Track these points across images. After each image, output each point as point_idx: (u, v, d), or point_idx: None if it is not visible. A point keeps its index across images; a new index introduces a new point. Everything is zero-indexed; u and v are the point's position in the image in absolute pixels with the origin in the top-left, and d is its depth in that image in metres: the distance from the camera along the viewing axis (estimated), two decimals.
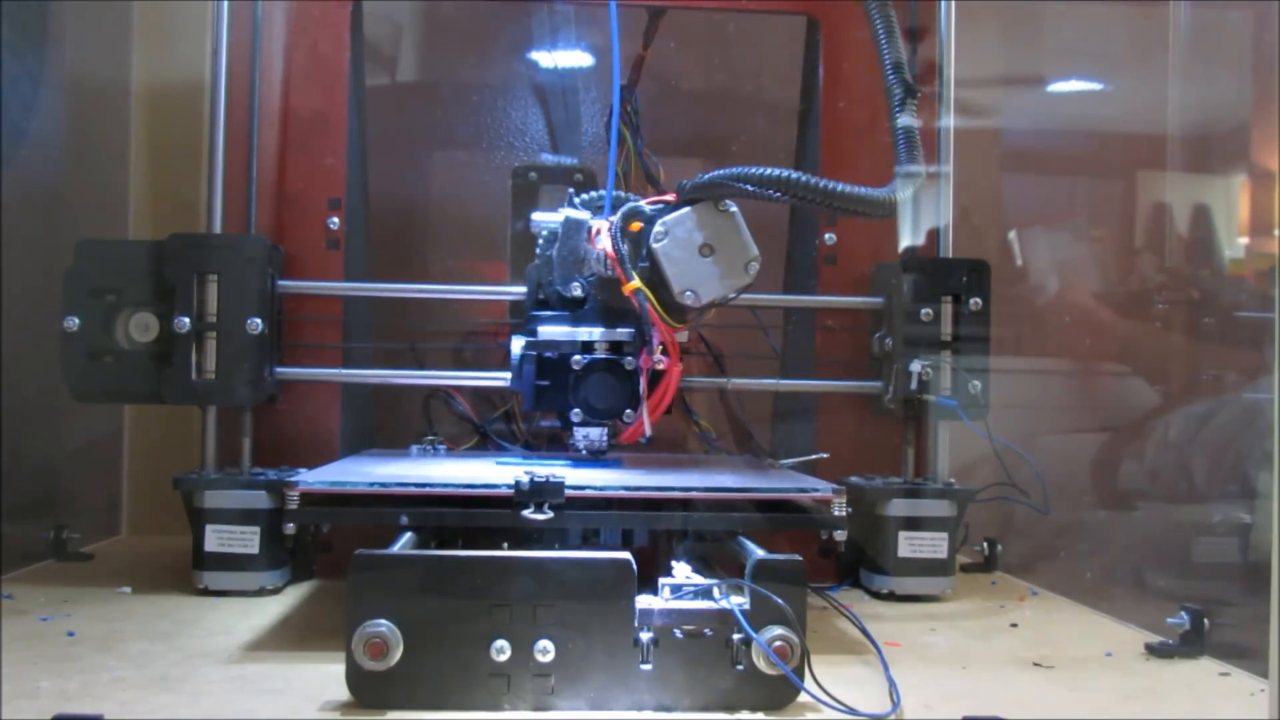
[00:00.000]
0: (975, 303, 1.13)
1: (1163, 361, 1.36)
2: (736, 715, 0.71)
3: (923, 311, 1.13)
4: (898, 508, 1.11)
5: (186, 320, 1.04)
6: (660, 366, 0.96)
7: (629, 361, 0.98)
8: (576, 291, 1.00)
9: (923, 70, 1.24)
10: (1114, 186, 1.53)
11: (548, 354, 1.00)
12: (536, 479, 0.87)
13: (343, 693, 0.70)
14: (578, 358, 0.99)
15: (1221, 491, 1.18)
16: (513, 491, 0.87)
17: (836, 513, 0.90)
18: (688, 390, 1.31)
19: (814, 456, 1.14)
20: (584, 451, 1.02)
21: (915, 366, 1.12)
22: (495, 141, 1.40)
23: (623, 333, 0.99)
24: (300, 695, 0.74)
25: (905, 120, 0.91)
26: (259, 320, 1.06)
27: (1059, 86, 1.53)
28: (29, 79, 1.14)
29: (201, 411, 1.09)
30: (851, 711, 0.71)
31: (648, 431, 0.98)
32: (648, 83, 1.29)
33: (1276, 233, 1.22)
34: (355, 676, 0.70)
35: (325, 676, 0.76)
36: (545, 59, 1.40)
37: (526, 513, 0.86)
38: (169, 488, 1.05)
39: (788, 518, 0.93)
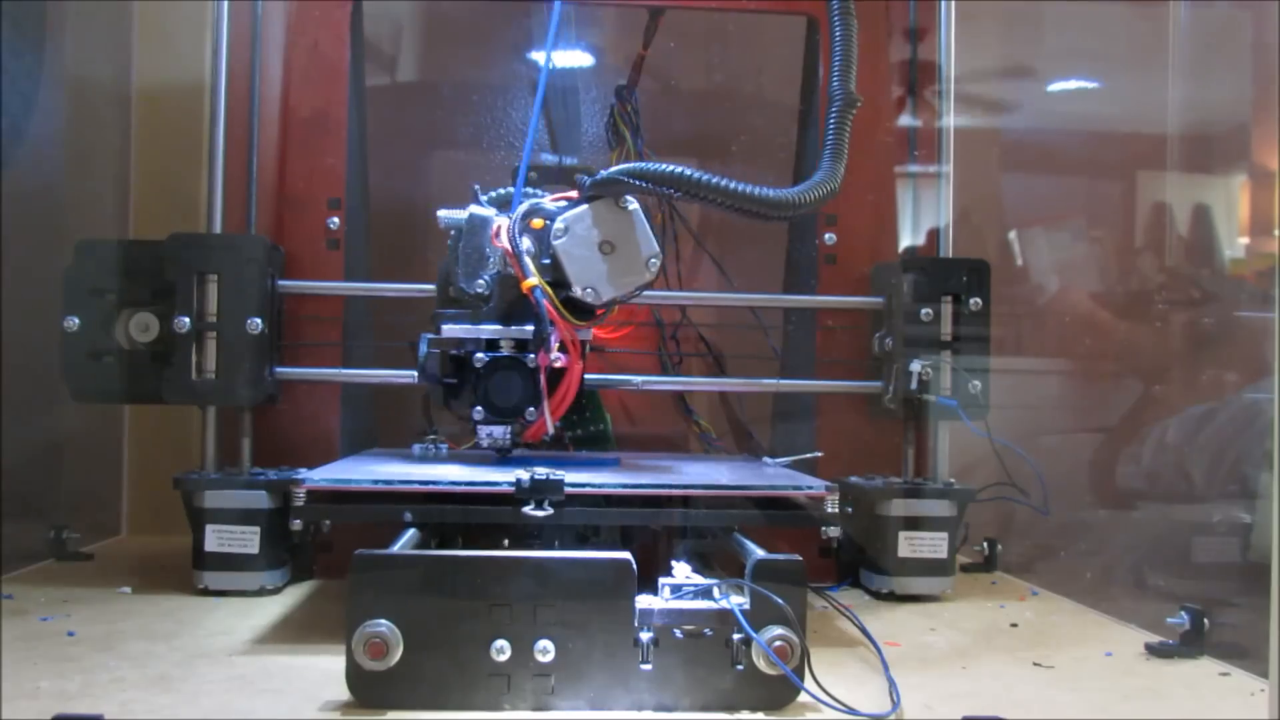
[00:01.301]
0: (975, 303, 1.13)
1: (1162, 361, 1.36)
2: (736, 715, 0.71)
3: (923, 311, 1.13)
4: (898, 508, 1.11)
5: (186, 320, 1.04)
6: (559, 364, 0.95)
7: (530, 359, 0.97)
8: (480, 289, 0.99)
9: (923, 70, 1.25)
10: (1114, 186, 1.53)
11: (453, 351, 0.99)
12: (536, 477, 0.87)
13: (343, 693, 0.70)
14: (479, 355, 0.98)
15: (1221, 492, 1.18)
16: (513, 489, 0.87)
17: (830, 509, 0.91)
18: (688, 390, 1.32)
19: (809, 455, 1.15)
20: (492, 450, 1.01)
21: (915, 366, 1.12)
22: (495, 141, 1.40)
23: (521, 330, 0.98)
24: (300, 695, 0.74)
25: (839, 129, 0.91)
26: (259, 320, 1.06)
27: (1059, 86, 1.53)
28: (29, 79, 1.14)
29: (201, 411, 1.09)
30: (851, 711, 0.71)
31: (549, 430, 0.98)
32: (648, 82, 1.29)
33: (1276, 233, 1.22)
34: (355, 676, 0.70)
35: (325, 676, 0.76)
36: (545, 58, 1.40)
37: (527, 510, 0.87)
38: (169, 488, 1.05)
39: (783, 515, 0.94)
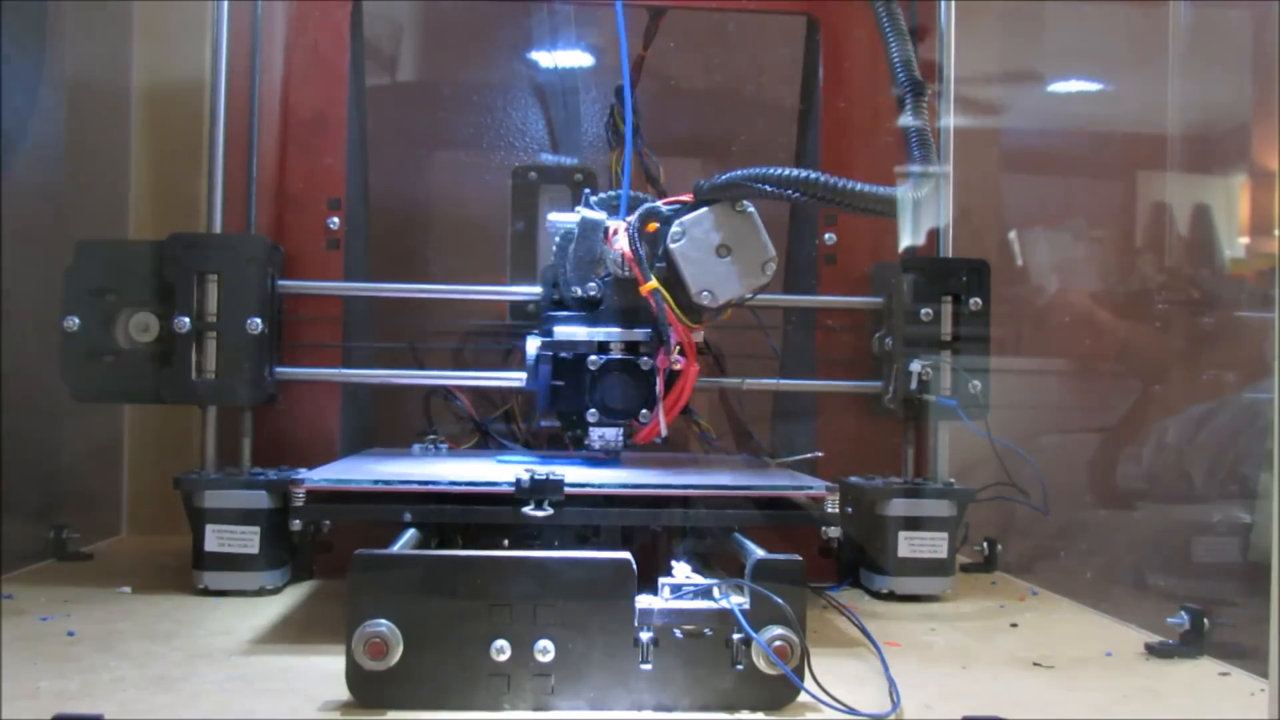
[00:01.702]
0: (975, 302, 1.13)
1: (1162, 361, 1.36)
2: (736, 715, 0.71)
3: (923, 311, 1.13)
4: (898, 508, 1.11)
5: (186, 320, 1.04)
6: (677, 367, 0.96)
7: (645, 362, 0.99)
8: (593, 292, 1.00)
9: (923, 70, 1.24)
10: (1114, 186, 1.53)
11: (563, 354, 1.00)
12: (536, 477, 0.87)
13: (343, 692, 0.70)
14: (594, 358, 0.99)
15: (1220, 492, 1.18)
16: (513, 489, 0.87)
17: (830, 509, 0.91)
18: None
19: (808, 455, 1.15)
20: (600, 451, 1.02)
21: (915, 366, 1.12)
22: (495, 141, 1.40)
23: (639, 333, 1.00)
24: (300, 695, 0.74)
25: (917, 119, 0.91)
26: (259, 320, 1.06)
27: (1059, 86, 1.53)
28: (29, 79, 1.14)
29: (201, 411, 1.09)
30: (851, 711, 0.71)
31: (663, 431, 0.99)
32: (648, 82, 1.29)
33: (1276, 233, 1.23)
34: (355, 676, 0.70)
35: (325, 676, 0.76)
36: (545, 59, 1.40)
37: (527, 510, 0.87)
38: (169, 488, 1.05)
39: (783, 515, 0.94)
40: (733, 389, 1.32)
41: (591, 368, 0.99)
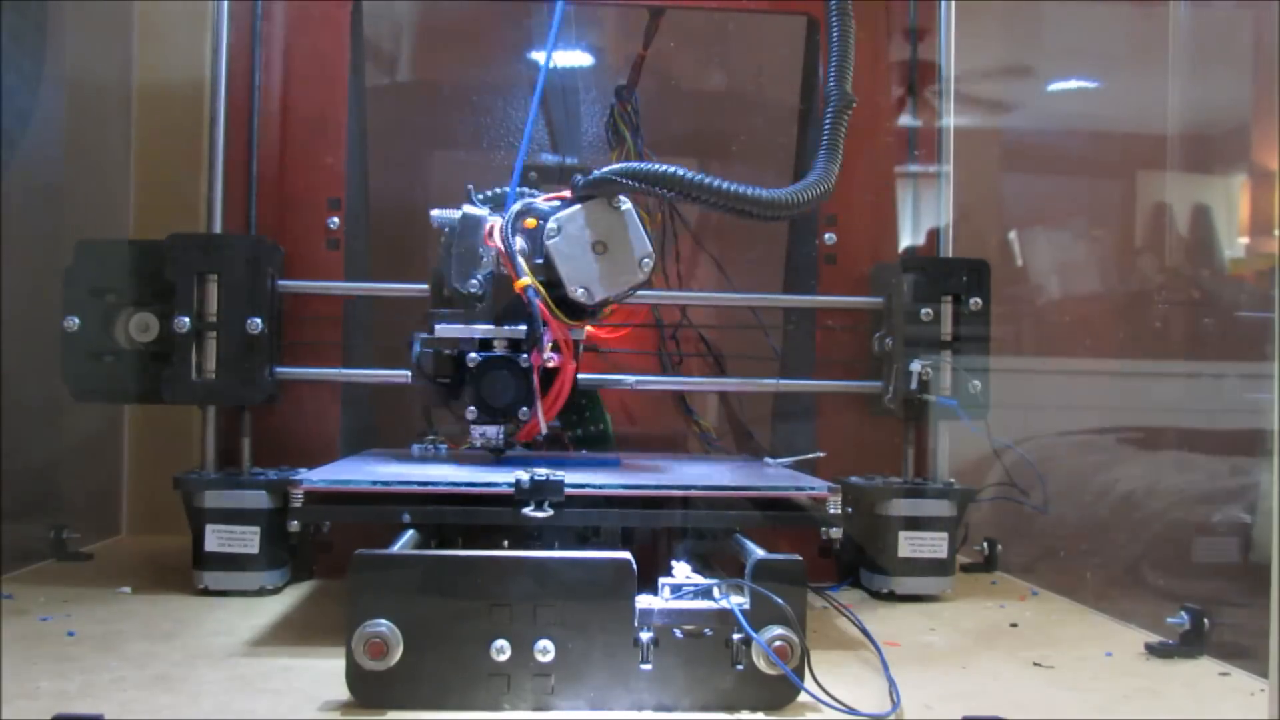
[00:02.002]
0: (975, 302, 1.13)
1: (1161, 361, 1.36)
2: (736, 715, 0.71)
3: (923, 311, 1.13)
4: (898, 508, 1.11)
5: (186, 320, 1.04)
6: (551, 364, 0.95)
7: (523, 359, 0.97)
8: (474, 289, 0.99)
9: (923, 70, 1.25)
10: (1114, 186, 1.53)
11: (446, 351, 0.99)
12: (536, 478, 0.87)
13: (343, 692, 0.70)
14: (472, 355, 0.98)
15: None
16: (513, 490, 0.87)
17: (832, 510, 0.91)
18: (686, 390, 1.31)
19: (811, 455, 1.15)
20: (484, 449, 1.01)
21: (915, 366, 1.12)
22: (495, 141, 1.40)
23: (514, 330, 0.98)
24: (300, 695, 0.74)
25: (832, 127, 0.91)
26: (259, 320, 1.06)
27: (1059, 86, 1.53)
28: (29, 79, 1.14)
29: (201, 411, 1.09)
30: (851, 711, 0.71)
31: (543, 429, 0.98)
32: (648, 82, 1.29)
33: (1277, 233, 1.22)
34: (355, 676, 0.70)
35: (325, 676, 0.76)
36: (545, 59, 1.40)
37: (527, 510, 0.87)
38: (169, 488, 1.05)
39: (784, 515, 0.94)
40: (731, 390, 1.33)
41: (470, 365, 0.98)
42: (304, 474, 0.94)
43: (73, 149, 1.26)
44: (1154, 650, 0.90)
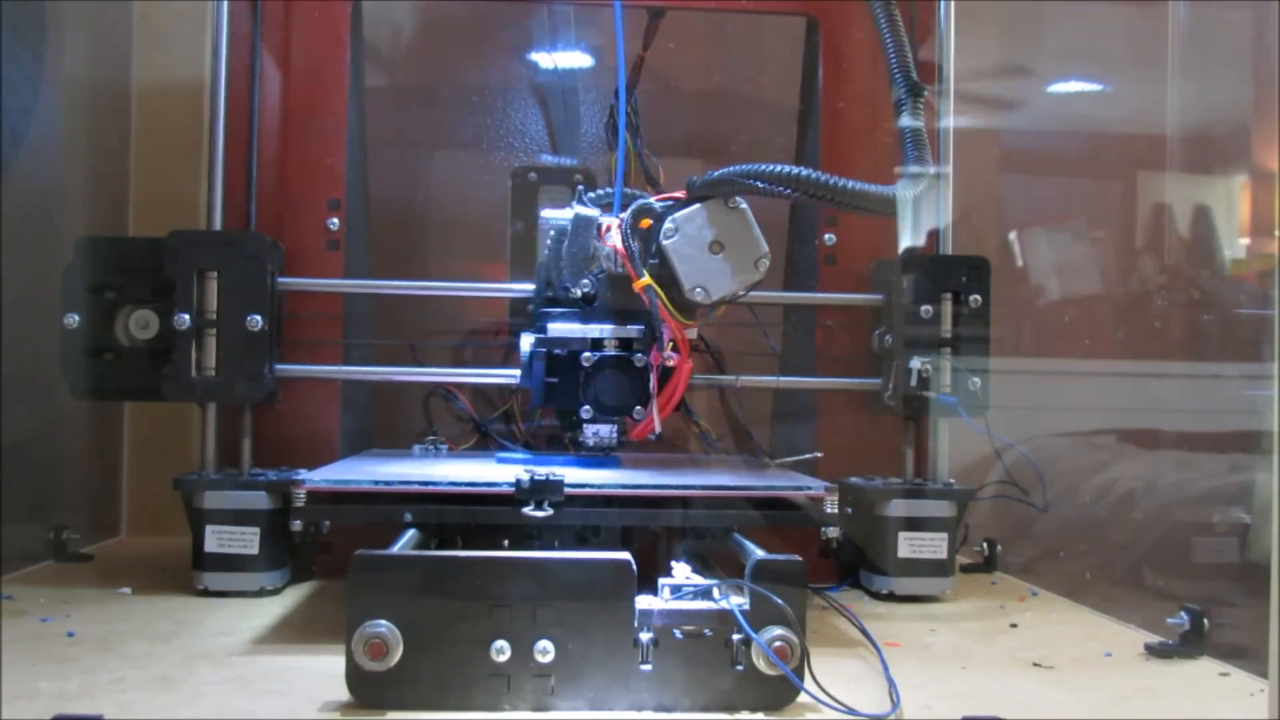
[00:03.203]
0: (975, 300, 1.13)
1: (1160, 361, 1.36)
2: (736, 715, 0.71)
3: (923, 309, 1.13)
4: (898, 508, 1.11)
5: (186, 317, 1.04)
6: (670, 363, 0.96)
7: (639, 358, 0.99)
8: (586, 288, 1.00)
9: (922, 70, 1.24)
10: (1114, 187, 1.53)
11: (557, 351, 1.00)
12: (536, 477, 0.87)
13: (343, 693, 0.70)
14: (587, 354, 0.99)
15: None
16: (513, 490, 0.87)
17: (829, 510, 0.91)
18: (688, 390, 1.31)
19: (808, 455, 1.15)
20: (595, 449, 1.02)
21: (915, 363, 1.12)
22: (495, 142, 1.40)
23: (632, 329, 0.99)
24: (300, 695, 0.74)
25: (912, 120, 0.91)
26: (259, 317, 1.06)
27: (1059, 86, 1.53)
28: (30, 79, 1.14)
29: (201, 410, 1.09)
30: (851, 711, 0.71)
31: (657, 428, 0.99)
32: (648, 83, 1.29)
33: (1276, 233, 1.23)
34: (355, 676, 0.70)
35: (325, 677, 0.76)
36: (545, 59, 1.40)
37: (527, 510, 0.87)
38: (169, 488, 1.05)
39: (783, 515, 0.94)
40: (732, 388, 1.33)
41: (585, 364, 0.99)
42: (305, 474, 0.94)
43: (73, 148, 1.26)
44: (1154, 650, 0.90)
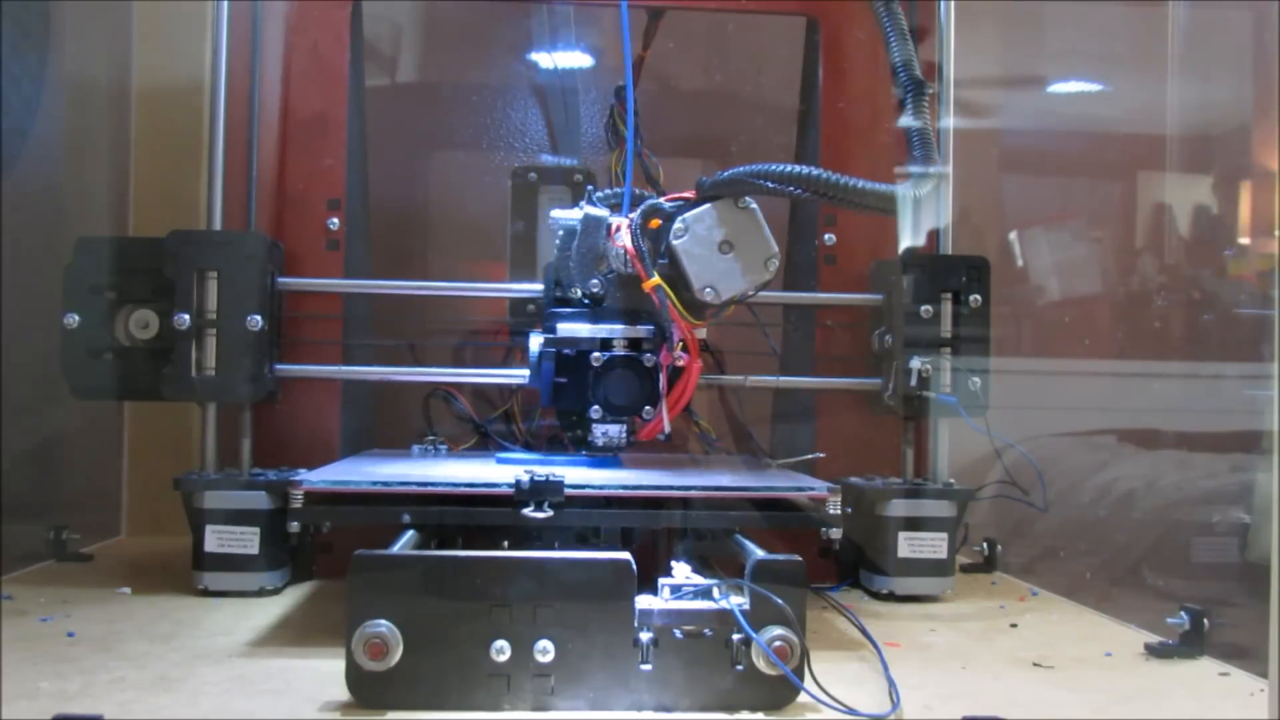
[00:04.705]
0: (975, 300, 1.13)
1: (1160, 361, 1.36)
2: (736, 715, 0.71)
3: (923, 309, 1.13)
4: (898, 508, 1.11)
5: (186, 317, 1.04)
6: (680, 363, 0.96)
7: (648, 358, 0.99)
8: (595, 289, 1.00)
9: (922, 70, 1.24)
10: (1114, 187, 1.53)
11: (566, 351, 1.00)
12: (536, 478, 0.87)
13: (343, 693, 0.70)
14: (597, 355, 0.99)
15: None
16: (513, 490, 0.87)
17: (832, 511, 0.91)
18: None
19: (810, 456, 1.15)
20: (603, 449, 1.02)
21: (915, 363, 1.12)
22: (495, 142, 1.40)
23: (642, 329, 0.99)
24: (300, 695, 0.74)
25: (917, 119, 0.91)
26: (259, 317, 1.06)
27: (1059, 86, 1.53)
28: (35, 75, 1.14)
29: (201, 409, 1.09)
30: (851, 711, 0.71)
31: (667, 428, 0.99)
32: (647, 83, 1.29)
33: (1277, 233, 1.23)
34: (355, 676, 0.70)
35: (325, 677, 0.76)
36: (545, 59, 1.40)
37: (526, 511, 0.87)
38: (169, 488, 1.05)
39: (784, 516, 0.94)
40: (732, 388, 1.33)
41: (595, 364, 0.99)
42: (304, 474, 0.94)
43: (73, 148, 1.26)
44: (1154, 650, 0.90)
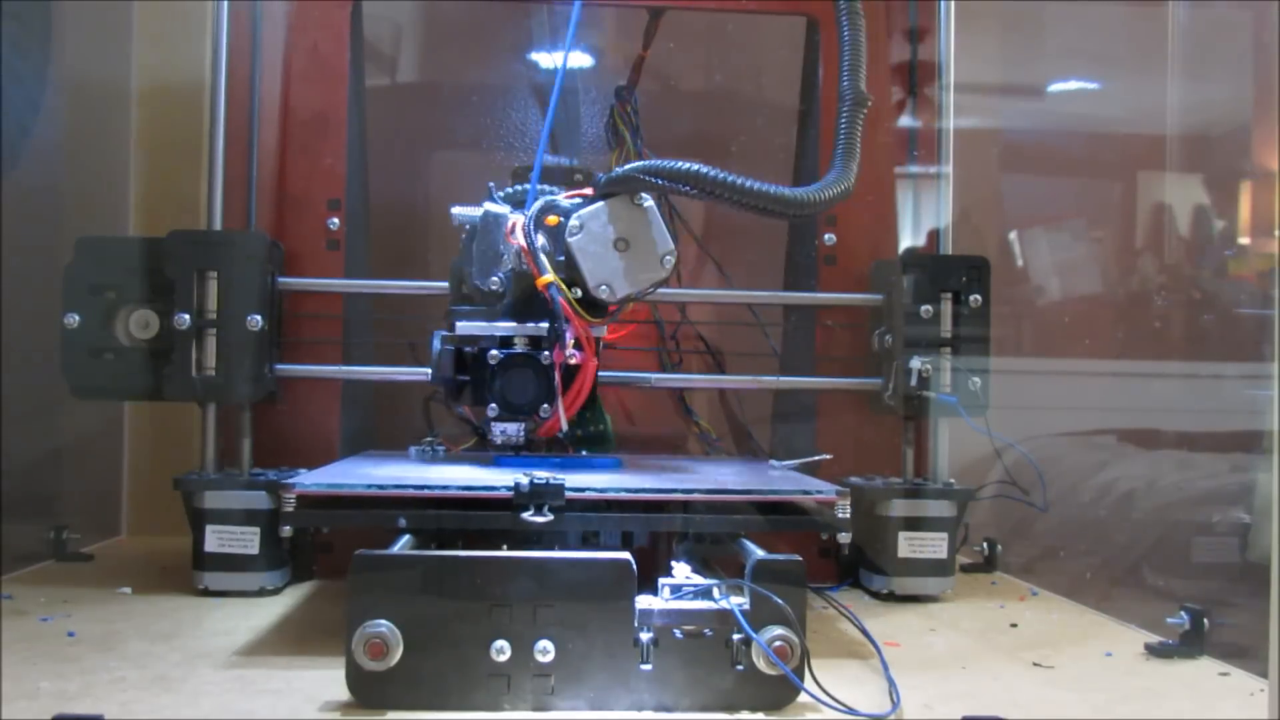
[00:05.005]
0: (975, 300, 1.14)
1: (1162, 362, 1.36)
2: (736, 715, 0.71)
3: (922, 309, 1.13)
4: (898, 508, 1.11)
5: (186, 317, 1.04)
6: (573, 361, 0.95)
7: (545, 356, 0.97)
8: (495, 286, 0.99)
9: (922, 71, 1.25)
10: (1114, 187, 1.53)
11: (466, 348, 0.99)
12: (536, 481, 0.86)
13: (343, 693, 0.70)
14: (494, 352, 0.97)
15: None
16: (512, 494, 0.86)
17: (840, 515, 0.89)
18: (688, 390, 1.31)
19: (817, 458, 1.14)
20: (501, 445, 1.01)
21: (915, 363, 1.12)
22: (495, 142, 1.40)
23: (536, 327, 0.97)
24: (300, 695, 0.74)
25: (848, 126, 0.91)
26: (259, 317, 1.06)
27: (1059, 87, 1.53)
28: (37, 74, 1.14)
29: (201, 409, 1.09)
30: (851, 711, 0.71)
31: (563, 426, 0.97)
32: (647, 82, 1.29)
33: (1277, 233, 1.23)
34: (355, 676, 0.70)
35: (325, 677, 0.76)
36: (545, 59, 1.40)
37: (526, 515, 0.86)
38: (169, 488, 1.05)
39: (791, 520, 0.93)
40: (732, 389, 1.33)
41: (491, 362, 0.97)
42: (298, 477, 0.93)
43: (74, 148, 1.26)
44: (1154, 650, 0.90)
